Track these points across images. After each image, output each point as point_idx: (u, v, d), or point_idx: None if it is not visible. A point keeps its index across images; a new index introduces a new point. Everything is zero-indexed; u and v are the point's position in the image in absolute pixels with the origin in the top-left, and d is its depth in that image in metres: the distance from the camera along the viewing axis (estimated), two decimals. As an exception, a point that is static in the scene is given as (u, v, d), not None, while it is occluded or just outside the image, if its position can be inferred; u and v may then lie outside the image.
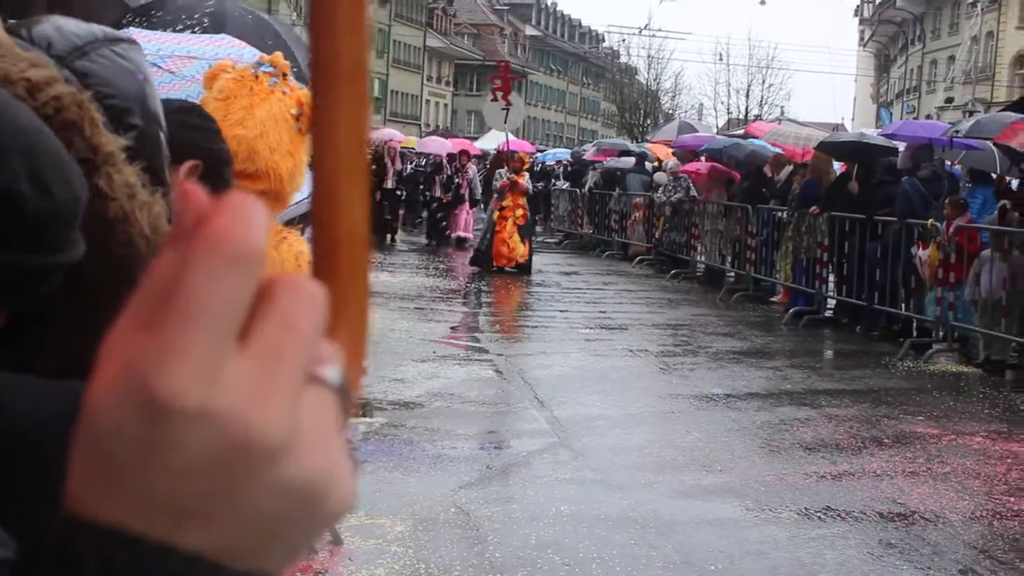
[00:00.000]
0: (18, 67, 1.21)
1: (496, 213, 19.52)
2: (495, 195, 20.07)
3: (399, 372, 9.76)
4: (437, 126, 66.78)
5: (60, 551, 0.45)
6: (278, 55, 3.11)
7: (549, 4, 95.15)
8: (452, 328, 13.06)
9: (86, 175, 1.17)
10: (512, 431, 8.22)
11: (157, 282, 0.44)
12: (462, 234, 24.67)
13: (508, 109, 19.99)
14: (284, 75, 3.05)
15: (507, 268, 19.10)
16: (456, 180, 25.39)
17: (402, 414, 8.37)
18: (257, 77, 3.06)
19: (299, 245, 2.97)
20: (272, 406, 0.44)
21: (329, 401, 0.47)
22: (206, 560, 0.45)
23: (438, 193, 25.69)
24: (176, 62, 4.22)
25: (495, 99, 20.23)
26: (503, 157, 21.06)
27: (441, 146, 29.49)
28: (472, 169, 25.51)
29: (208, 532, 0.44)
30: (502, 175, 19.85)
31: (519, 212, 19.50)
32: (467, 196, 24.80)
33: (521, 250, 19.24)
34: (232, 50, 4.49)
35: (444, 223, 25.37)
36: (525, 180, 20.20)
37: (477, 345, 11.93)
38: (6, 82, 1.21)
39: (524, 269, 19.25)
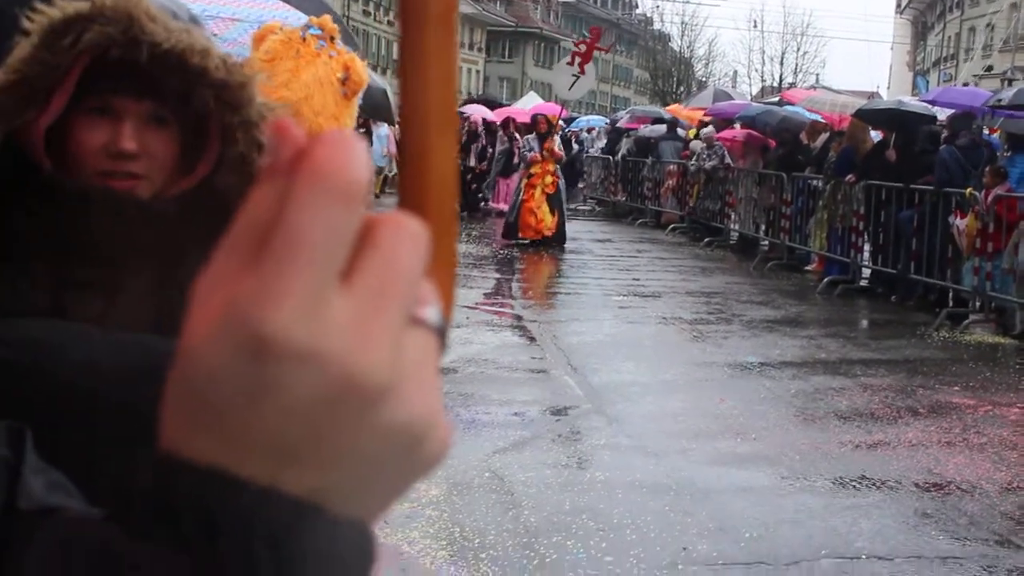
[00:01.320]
0: (204, 42, 1.32)
1: (524, 181, 18.42)
2: (523, 164, 18.95)
3: (433, 338, 9.76)
4: (469, 93, 66.57)
5: (158, 495, 0.44)
6: (327, 18, 3.10)
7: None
8: (485, 294, 13.06)
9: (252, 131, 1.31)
10: (546, 397, 8.22)
11: (254, 218, 0.42)
12: (503, 206, 22.69)
13: (578, 77, 18.65)
14: (332, 38, 3.05)
15: (536, 240, 18.04)
16: (497, 148, 24.47)
17: (436, 379, 8.38)
18: (305, 40, 3.06)
19: None
20: (377, 347, 0.43)
21: (430, 342, 0.46)
22: (307, 502, 0.44)
23: (472, 162, 24.65)
24: (220, 24, 4.22)
25: (572, 63, 18.90)
26: (531, 123, 20.08)
27: (480, 113, 28.64)
28: (520, 138, 23.64)
29: (310, 474, 0.43)
30: (529, 142, 18.65)
31: (548, 180, 18.20)
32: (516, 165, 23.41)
33: (549, 221, 18.03)
34: (277, 12, 4.49)
35: (480, 193, 24.56)
36: (556, 145, 18.91)
37: (511, 311, 11.93)
38: (205, 54, 1.29)
39: (557, 239, 18.16)
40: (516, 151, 22.60)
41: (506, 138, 24.55)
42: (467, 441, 6.82)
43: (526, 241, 17.96)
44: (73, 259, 1.30)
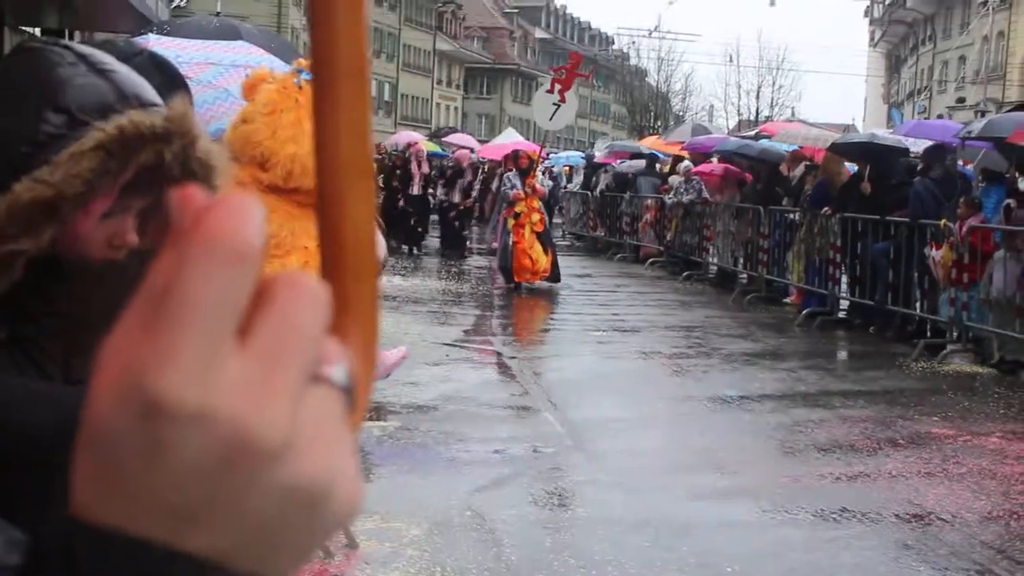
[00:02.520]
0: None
1: (511, 222, 17.24)
2: (504, 203, 17.81)
3: (413, 375, 9.75)
4: (450, 127, 66.77)
5: (64, 555, 0.44)
6: None
7: (558, 7, 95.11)
8: (465, 331, 13.05)
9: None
10: (526, 434, 8.21)
11: (156, 283, 0.43)
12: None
13: (559, 106, 17.62)
14: None
15: (534, 283, 17.14)
16: (495, 185, 23.15)
17: (416, 417, 8.37)
18: (300, 87, 3.04)
19: None
20: (272, 406, 0.43)
21: (334, 400, 0.46)
22: (210, 563, 0.44)
23: (457, 199, 23.78)
24: (194, 68, 4.25)
25: (551, 91, 17.85)
26: (508, 159, 18.99)
27: (466, 147, 27.43)
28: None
29: (211, 535, 0.44)
30: (511, 179, 17.53)
31: (535, 218, 17.22)
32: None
33: (544, 261, 17.05)
34: (251, 57, 4.51)
35: (464, 231, 23.82)
36: (538, 182, 18.15)
37: (490, 348, 11.92)
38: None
39: (553, 278, 17.33)
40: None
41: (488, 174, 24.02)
42: (447, 480, 6.80)
43: (519, 285, 17.02)
44: (76, 328, 1.34)
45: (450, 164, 25.19)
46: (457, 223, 23.70)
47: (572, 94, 17.77)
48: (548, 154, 23.35)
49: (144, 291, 0.43)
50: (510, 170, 18.01)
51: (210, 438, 0.42)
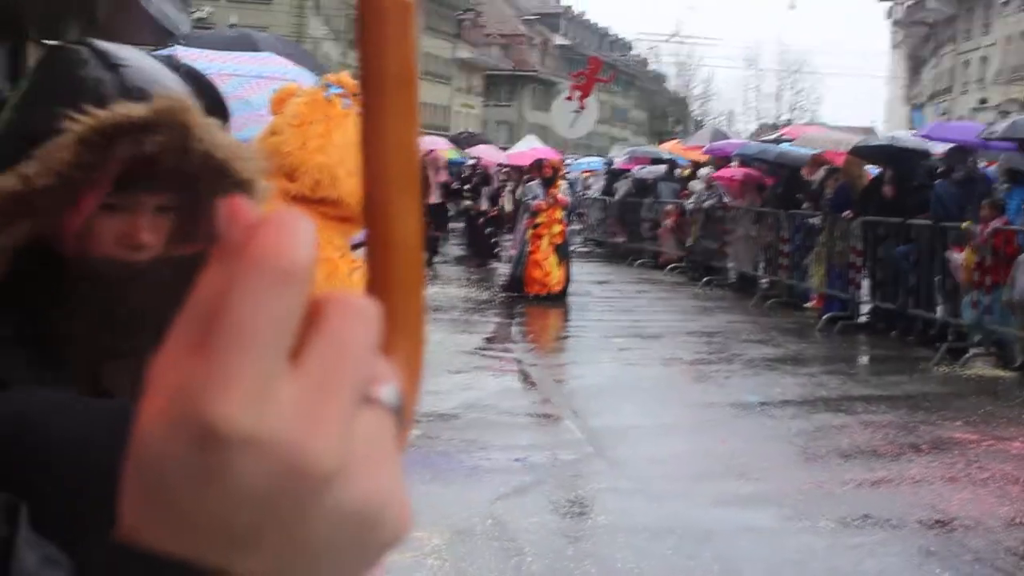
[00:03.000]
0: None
1: (530, 231, 16.81)
2: (527, 213, 17.27)
3: (434, 384, 9.77)
4: (470, 134, 66.80)
5: None
6: (345, 75, 3.10)
7: (577, 13, 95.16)
8: (486, 339, 13.06)
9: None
10: (548, 442, 8.21)
11: (203, 302, 0.42)
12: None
13: (579, 113, 17.16)
14: (355, 95, 3.05)
15: (541, 295, 16.57)
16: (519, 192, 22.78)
17: (437, 426, 8.39)
18: (329, 100, 3.05)
19: None
20: (325, 431, 0.42)
21: (385, 422, 0.46)
22: None
23: (484, 206, 23.27)
24: (215, 79, 4.27)
25: (570, 98, 17.38)
26: (533, 167, 18.53)
27: (490, 155, 26.90)
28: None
29: (261, 559, 0.44)
30: (533, 189, 17.15)
31: (556, 229, 16.76)
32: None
33: (557, 275, 16.57)
34: (274, 68, 4.53)
35: (494, 239, 23.35)
36: (562, 190, 17.47)
37: (511, 355, 11.93)
38: (239, 155, 1.33)
39: (561, 295, 16.72)
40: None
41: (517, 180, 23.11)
42: (469, 488, 6.81)
43: (527, 296, 16.58)
44: (103, 332, 1.33)
45: (477, 172, 24.30)
46: (487, 230, 23.06)
47: (592, 100, 17.24)
48: (567, 162, 22.87)
49: (191, 309, 0.43)
50: (533, 179, 17.72)
51: (264, 464, 0.42)
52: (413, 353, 0.50)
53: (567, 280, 16.81)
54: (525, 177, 21.31)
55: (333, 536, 0.44)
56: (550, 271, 16.55)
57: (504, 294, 17.01)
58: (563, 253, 16.89)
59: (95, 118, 1.27)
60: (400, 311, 0.49)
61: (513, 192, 22.91)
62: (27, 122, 1.33)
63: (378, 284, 0.49)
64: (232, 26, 13.88)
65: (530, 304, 16.30)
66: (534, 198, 17.01)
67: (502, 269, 21.34)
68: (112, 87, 1.33)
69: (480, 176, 23.88)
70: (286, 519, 0.43)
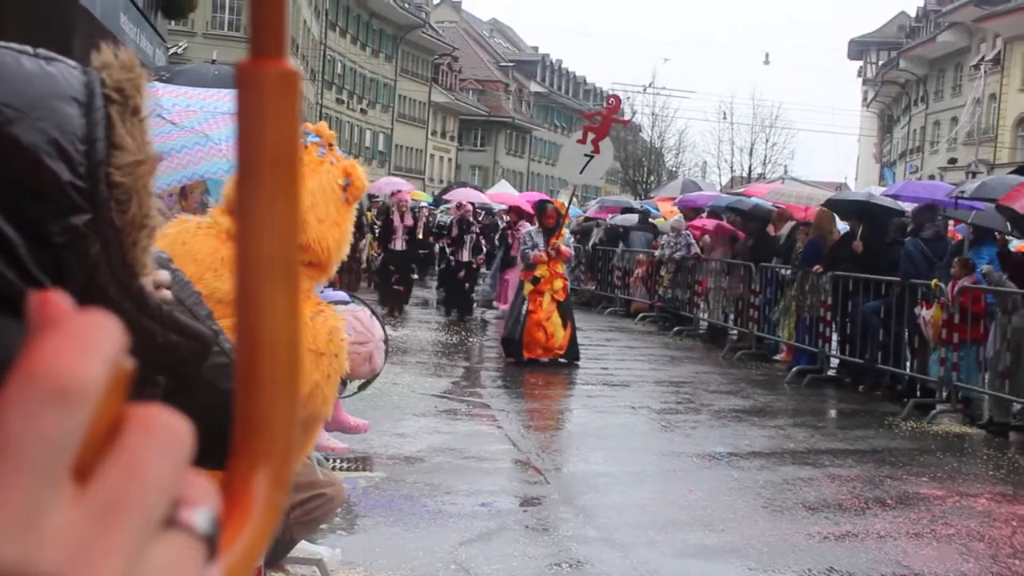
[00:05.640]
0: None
1: (528, 287, 14.67)
2: (523, 265, 15.17)
3: (400, 427, 9.72)
4: (443, 180, 67.01)
5: None
6: (323, 124, 3.12)
7: (554, 61, 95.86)
8: (453, 383, 13.01)
9: None
10: (514, 487, 8.16)
11: None
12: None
13: (591, 158, 15.03)
14: (330, 145, 3.05)
15: (544, 360, 14.65)
16: (497, 241, 22.36)
17: (403, 469, 8.32)
18: (306, 147, 3.05)
19: (334, 321, 2.90)
20: (104, 564, 0.38)
21: (189, 549, 0.41)
22: None
23: (466, 257, 21.49)
24: (180, 114, 4.27)
25: (583, 141, 15.18)
26: (534, 212, 16.42)
27: (469, 199, 25.21)
28: (525, 227, 17.74)
29: None
30: (532, 237, 14.80)
31: (558, 285, 14.65)
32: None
33: (560, 336, 14.54)
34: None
35: (472, 293, 21.76)
36: (566, 240, 15.21)
37: (480, 400, 11.88)
38: None
39: (570, 356, 14.73)
40: (518, 243, 18.22)
41: (505, 223, 21.78)
42: (433, 532, 6.75)
43: (527, 361, 14.60)
44: None
45: (455, 219, 22.50)
46: (467, 284, 21.40)
47: (606, 143, 15.48)
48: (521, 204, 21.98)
49: None
50: (532, 226, 15.58)
51: None
52: (279, 458, 0.46)
53: (572, 341, 14.81)
54: (520, 222, 19.97)
55: None
56: (554, 333, 14.56)
57: (502, 361, 14.92)
58: (566, 312, 14.84)
59: None
60: (266, 412, 0.45)
61: (507, 235, 21.43)
62: None
63: (243, 381, 0.45)
64: (212, 62, 13.79)
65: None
66: (533, 247, 14.71)
67: (472, 314, 21.32)
68: None
69: (459, 222, 22.07)
70: None
